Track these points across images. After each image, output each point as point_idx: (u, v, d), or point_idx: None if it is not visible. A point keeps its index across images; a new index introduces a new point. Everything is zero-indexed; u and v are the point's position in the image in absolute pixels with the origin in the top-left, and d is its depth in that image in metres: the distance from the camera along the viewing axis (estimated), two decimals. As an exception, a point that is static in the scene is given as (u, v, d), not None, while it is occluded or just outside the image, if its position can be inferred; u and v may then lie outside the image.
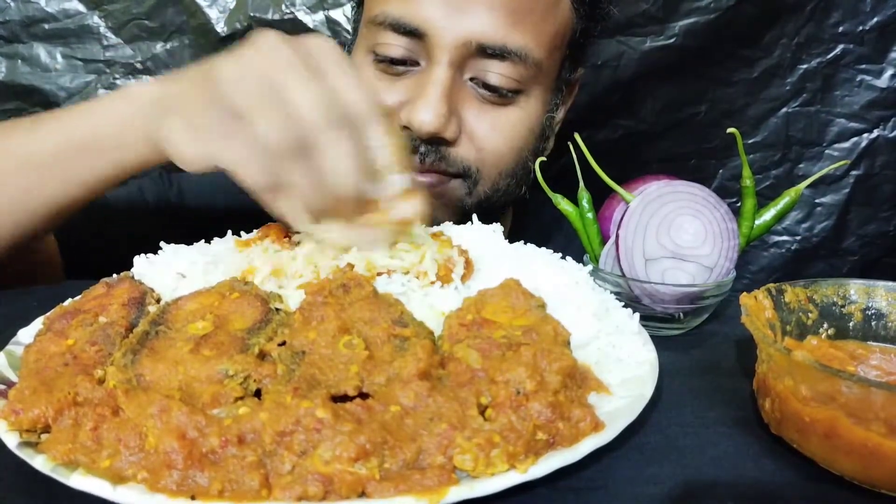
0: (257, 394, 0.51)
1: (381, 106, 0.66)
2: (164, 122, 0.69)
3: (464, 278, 0.67)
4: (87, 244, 1.01)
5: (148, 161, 0.79)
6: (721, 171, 1.61)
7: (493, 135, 0.97)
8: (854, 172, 1.60)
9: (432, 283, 0.65)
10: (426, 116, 0.90)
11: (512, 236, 0.79)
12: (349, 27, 1.43)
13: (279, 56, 0.63)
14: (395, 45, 0.93)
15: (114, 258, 0.73)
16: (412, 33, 0.91)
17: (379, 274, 0.65)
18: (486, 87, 0.94)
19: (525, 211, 1.20)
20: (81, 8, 1.42)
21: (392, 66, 0.95)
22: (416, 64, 0.95)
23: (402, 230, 0.67)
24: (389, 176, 0.66)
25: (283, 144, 0.61)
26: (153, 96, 0.75)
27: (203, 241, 0.76)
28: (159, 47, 1.45)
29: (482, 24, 0.89)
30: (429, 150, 0.94)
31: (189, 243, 0.74)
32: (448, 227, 0.77)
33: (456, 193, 0.99)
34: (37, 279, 0.99)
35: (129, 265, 0.71)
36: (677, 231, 0.75)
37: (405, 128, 0.93)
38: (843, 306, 0.67)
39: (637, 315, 0.68)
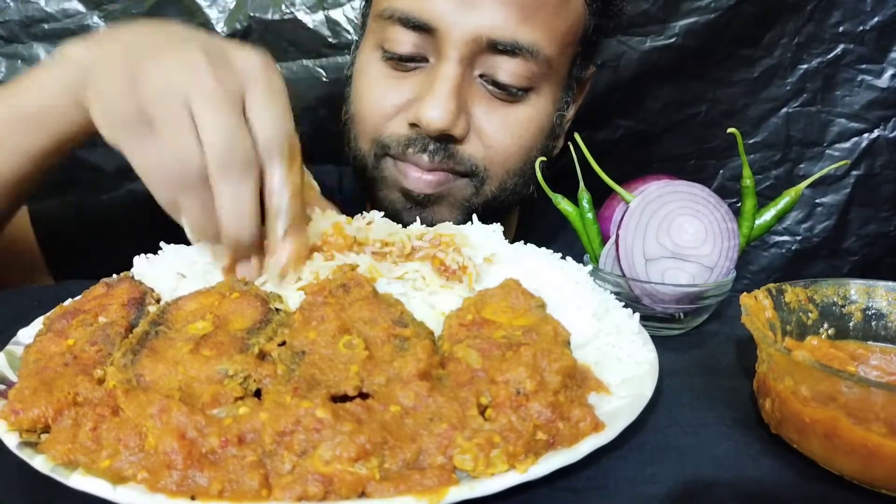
0: (257, 394, 0.51)
1: (291, 140, 0.64)
2: (88, 93, 0.68)
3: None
4: (78, 248, 1.01)
5: (83, 130, 0.77)
6: (721, 171, 1.61)
7: (502, 133, 0.95)
8: (854, 172, 1.59)
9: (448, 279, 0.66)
10: (435, 114, 0.88)
11: (518, 236, 0.79)
12: (349, 27, 1.43)
13: (203, 74, 0.61)
14: (404, 41, 0.92)
15: (106, 262, 0.73)
16: (421, 28, 0.90)
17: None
18: (496, 84, 0.92)
19: (532, 211, 1.19)
20: (81, 8, 1.42)
21: (401, 62, 0.94)
22: (425, 60, 0.93)
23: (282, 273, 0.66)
24: (277, 220, 0.64)
25: (182, 171, 0.60)
26: (83, 62, 0.73)
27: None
28: (159, 47, 1.45)
29: (493, 20, 0.88)
30: (438, 148, 0.93)
31: (187, 244, 0.74)
32: (447, 227, 0.77)
33: (462, 193, 0.98)
34: (21, 284, 0.98)
35: (124, 268, 0.71)
36: (677, 231, 0.75)
37: (413, 125, 0.93)
38: (843, 306, 0.67)
39: (637, 315, 0.68)
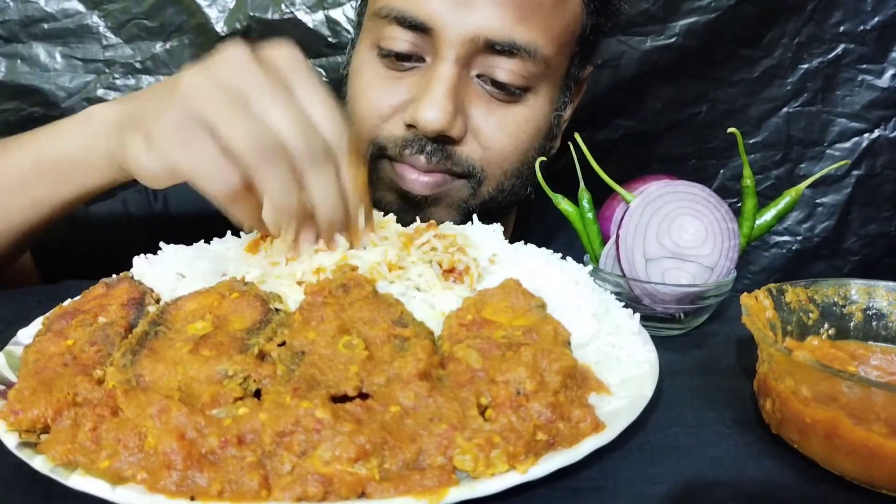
0: (257, 394, 0.51)
1: (348, 131, 0.65)
2: (125, 139, 0.68)
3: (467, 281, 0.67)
4: (70, 259, 1.01)
5: (111, 181, 0.79)
6: (722, 171, 1.61)
7: (500, 134, 0.95)
8: (855, 172, 1.59)
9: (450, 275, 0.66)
10: (432, 115, 0.88)
11: (517, 236, 0.79)
12: (349, 27, 1.43)
13: (248, 67, 0.61)
14: (401, 40, 0.91)
15: (97, 274, 0.73)
16: (418, 28, 0.89)
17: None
18: (494, 84, 0.92)
19: (530, 211, 1.19)
20: (81, 7, 1.42)
21: (397, 61, 0.93)
22: (422, 60, 0.93)
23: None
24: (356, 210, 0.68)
25: (259, 144, 0.59)
26: (115, 115, 0.75)
27: (202, 240, 0.75)
28: (159, 47, 1.45)
29: (490, 19, 0.87)
30: (435, 149, 0.92)
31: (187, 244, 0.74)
32: (447, 227, 0.77)
33: (460, 194, 0.97)
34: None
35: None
36: (678, 231, 0.75)
37: (410, 126, 0.92)
38: (843, 306, 0.67)
39: (637, 315, 0.68)
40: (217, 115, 0.60)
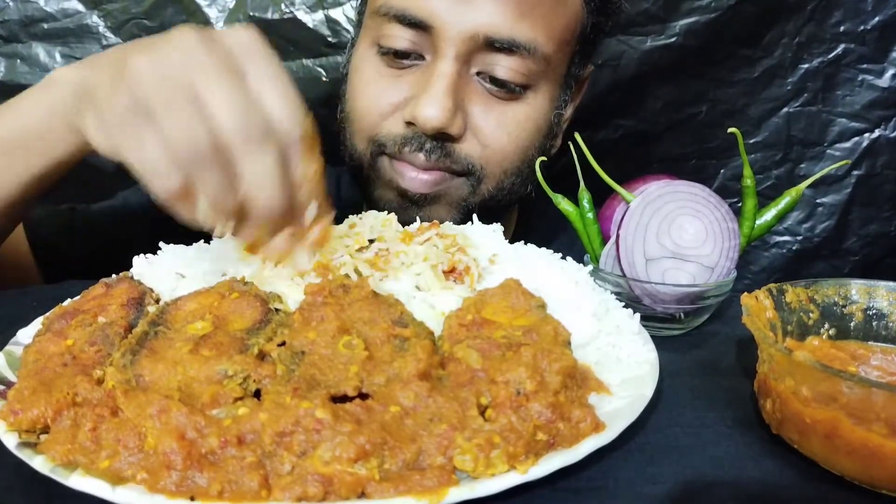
0: (257, 394, 0.51)
1: (304, 121, 0.60)
2: (81, 111, 0.66)
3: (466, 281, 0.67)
4: (70, 257, 1.01)
5: (78, 150, 0.77)
6: (722, 170, 1.61)
7: (500, 132, 0.94)
8: (855, 172, 1.59)
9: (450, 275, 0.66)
10: (431, 112, 0.88)
11: (518, 235, 0.79)
12: (349, 26, 1.43)
13: (195, 52, 0.57)
14: (400, 37, 0.91)
15: (97, 271, 0.72)
16: (417, 25, 0.89)
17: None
18: (494, 81, 0.92)
19: (531, 210, 1.19)
20: (80, 7, 1.42)
21: (396, 59, 0.93)
22: (422, 58, 0.92)
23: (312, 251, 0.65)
24: (306, 197, 0.62)
25: (195, 147, 0.55)
26: (73, 83, 0.72)
27: (202, 240, 0.75)
28: (159, 47, 1.45)
29: (490, 17, 0.87)
30: (434, 146, 0.92)
31: (187, 244, 0.74)
32: (448, 227, 0.77)
33: (459, 192, 0.97)
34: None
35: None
36: (678, 231, 0.75)
37: (410, 124, 0.92)
38: (844, 306, 0.67)
39: (637, 315, 0.68)
40: (159, 106, 0.56)
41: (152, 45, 0.60)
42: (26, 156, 0.78)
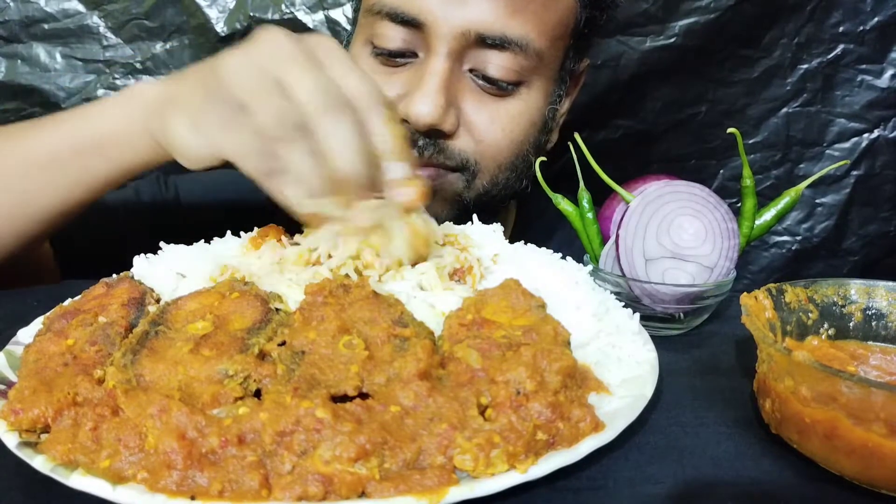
0: (257, 394, 0.51)
1: (384, 97, 0.66)
2: (166, 120, 0.69)
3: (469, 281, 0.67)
4: (83, 246, 1.01)
5: (150, 161, 0.79)
6: (721, 171, 1.61)
7: (493, 127, 0.95)
8: (854, 172, 1.59)
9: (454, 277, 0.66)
10: (424, 108, 0.88)
11: (516, 234, 0.79)
12: (349, 27, 1.43)
13: (280, 48, 0.64)
14: (393, 36, 0.91)
15: (110, 260, 0.73)
16: (410, 23, 0.89)
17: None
18: (486, 78, 0.92)
19: (529, 208, 1.19)
20: (81, 8, 1.42)
21: (390, 58, 0.93)
22: (415, 55, 0.93)
23: (405, 214, 0.67)
24: (389, 164, 0.66)
25: (281, 128, 0.61)
26: (155, 95, 0.75)
27: (202, 240, 0.76)
28: (159, 47, 1.45)
29: (481, 14, 0.87)
30: (427, 143, 0.92)
31: (187, 244, 0.74)
32: (448, 228, 0.77)
33: (454, 187, 0.97)
34: (31, 282, 0.98)
35: (126, 266, 0.71)
36: (677, 231, 0.75)
37: (404, 121, 0.92)
38: (843, 306, 0.67)
39: (637, 315, 0.68)
40: (249, 96, 0.62)
41: (238, 47, 0.67)
42: (99, 160, 0.80)
